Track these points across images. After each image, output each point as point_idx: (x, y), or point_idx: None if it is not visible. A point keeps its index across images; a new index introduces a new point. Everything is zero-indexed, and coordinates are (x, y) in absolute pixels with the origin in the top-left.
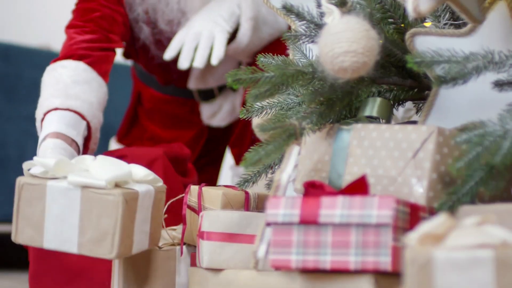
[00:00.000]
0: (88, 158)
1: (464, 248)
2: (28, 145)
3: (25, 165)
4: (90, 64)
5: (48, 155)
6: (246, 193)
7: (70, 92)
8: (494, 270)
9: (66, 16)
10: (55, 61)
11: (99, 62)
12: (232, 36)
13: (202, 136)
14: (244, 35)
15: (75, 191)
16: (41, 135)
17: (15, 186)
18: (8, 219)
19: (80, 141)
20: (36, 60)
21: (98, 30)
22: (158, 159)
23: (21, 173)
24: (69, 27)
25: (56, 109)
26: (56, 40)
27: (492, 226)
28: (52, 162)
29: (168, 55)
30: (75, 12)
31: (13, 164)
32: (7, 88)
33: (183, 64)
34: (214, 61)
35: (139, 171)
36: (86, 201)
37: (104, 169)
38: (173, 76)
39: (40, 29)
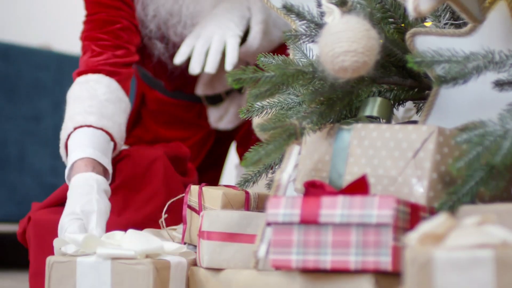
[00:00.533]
0: (118, 233)
1: (464, 248)
2: (28, 144)
3: (56, 242)
4: (119, 82)
5: (78, 191)
6: (247, 193)
7: (104, 111)
8: (494, 270)
9: (66, 16)
10: (81, 73)
11: (125, 80)
12: (242, 39)
13: (209, 139)
14: (254, 38)
15: (105, 264)
16: (74, 152)
17: (15, 186)
18: (7, 219)
19: (110, 169)
20: (36, 60)
21: (121, 44)
22: (158, 159)
23: (21, 172)
24: (88, 39)
25: (90, 126)
26: (56, 40)
27: (492, 226)
28: (81, 238)
29: (178, 59)
30: (92, 22)
31: (13, 164)
32: (7, 88)
33: (194, 69)
34: (229, 67)
35: (170, 246)
36: (116, 274)
37: (135, 243)
38: (181, 81)
39: (40, 29)
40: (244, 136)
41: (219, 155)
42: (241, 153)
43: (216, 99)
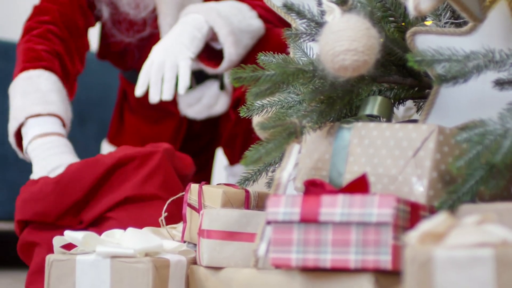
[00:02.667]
0: (117, 231)
1: (464, 247)
2: None
3: (56, 241)
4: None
5: (46, 153)
6: (246, 191)
7: (48, 99)
8: (494, 268)
9: None
10: (25, 66)
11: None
12: (216, 53)
13: (181, 128)
14: (229, 54)
15: (104, 263)
16: (28, 136)
17: (15, 184)
18: (7, 217)
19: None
20: None
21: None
22: (157, 153)
23: (21, 171)
24: (28, 30)
25: (38, 115)
26: None
27: (492, 225)
28: (80, 236)
29: (139, 91)
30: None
31: (13, 162)
32: (7, 86)
33: (153, 99)
34: (181, 91)
35: (170, 244)
36: (116, 272)
37: (135, 241)
38: (130, 62)
39: None
40: (229, 137)
41: (206, 159)
42: (228, 153)
43: None
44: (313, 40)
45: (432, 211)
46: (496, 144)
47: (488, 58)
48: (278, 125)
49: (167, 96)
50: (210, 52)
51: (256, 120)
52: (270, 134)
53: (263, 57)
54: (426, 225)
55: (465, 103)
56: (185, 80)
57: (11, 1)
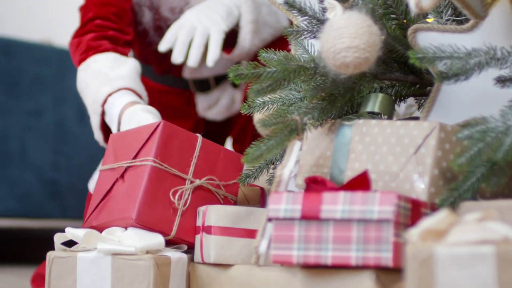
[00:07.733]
0: (118, 229)
1: (466, 244)
2: (29, 140)
3: (57, 237)
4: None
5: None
6: (262, 189)
7: (111, 76)
8: (495, 266)
9: (67, 11)
10: (81, 61)
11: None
12: (233, 40)
13: (198, 129)
14: (244, 40)
15: (105, 260)
16: (113, 113)
17: (16, 181)
18: (8, 214)
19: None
20: (37, 55)
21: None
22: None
23: (22, 168)
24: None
25: (109, 95)
26: (57, 35)
27: (493, 222)
28: (82, 234)
29: (163, 47)
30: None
31: (14, 159)
32: (8, 83)
33: (177, 59)
34: (210, 63)
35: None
36: (117, 269)
37: (135, 239)
38: (168, 64)
39: (41, 24)
40: (239, 132)
41: None
42: (237, 149)
43: (204, 86)
44: (314, 37)
45: (433, 208)
46: (497, 141)
47: (490, 55)
48: (280, 122)
49: (193, 62)
50: (229, 37)
51: (257, 117)
52: (271, 131)
53: (264, 54)
54: (427, 222)
55: (466, 100)
56: (215, 52)
57: None
